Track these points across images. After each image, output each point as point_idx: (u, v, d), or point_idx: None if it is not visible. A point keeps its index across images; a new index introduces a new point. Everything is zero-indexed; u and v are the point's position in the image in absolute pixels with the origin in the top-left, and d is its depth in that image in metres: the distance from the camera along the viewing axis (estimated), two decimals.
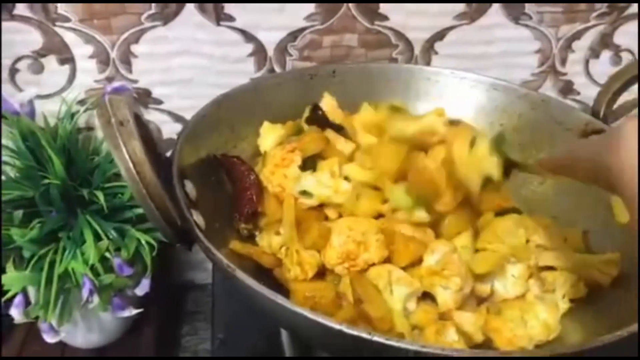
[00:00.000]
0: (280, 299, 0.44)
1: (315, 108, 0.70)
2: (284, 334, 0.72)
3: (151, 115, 0.84)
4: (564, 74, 0.89)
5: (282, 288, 0.58)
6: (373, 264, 0.57)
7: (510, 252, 0.59)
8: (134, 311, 0.76)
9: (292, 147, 0.64)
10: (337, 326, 0.42)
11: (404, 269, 0.57)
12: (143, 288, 0.77)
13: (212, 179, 0.64)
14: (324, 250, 0.57)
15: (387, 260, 0.57)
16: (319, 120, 0.69)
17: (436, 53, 0.84)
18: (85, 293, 0.70)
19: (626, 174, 0.38)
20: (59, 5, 0.74)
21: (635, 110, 0.93)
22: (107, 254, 0.72)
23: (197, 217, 0.52)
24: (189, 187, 0.56)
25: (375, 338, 0.42)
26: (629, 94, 0.93)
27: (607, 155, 0.40)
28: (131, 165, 0.45)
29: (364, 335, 0.42)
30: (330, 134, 0.67)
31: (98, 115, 0.47)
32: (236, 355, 0.71)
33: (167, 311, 0.92)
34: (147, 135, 0.54)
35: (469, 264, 0.57)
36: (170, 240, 0.49)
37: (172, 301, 0.95)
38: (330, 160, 0.63)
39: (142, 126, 0.52)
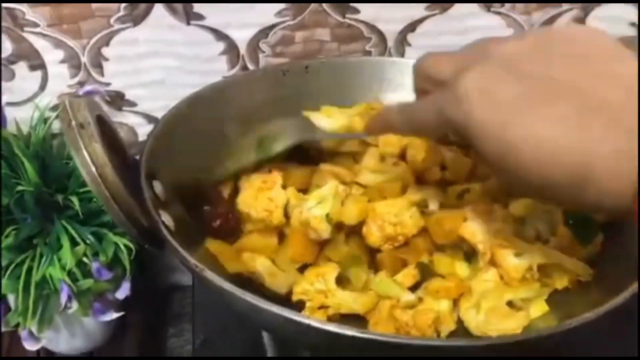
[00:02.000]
0: (249, 297, 0.43)
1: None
2: (266, 334, 0.72)
3: (126, 118, 0.83)
4: None
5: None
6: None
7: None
8: (116, 315, 0.76)
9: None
10: (305, 320, 0.42)
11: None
12: (123, 291, 0.77)
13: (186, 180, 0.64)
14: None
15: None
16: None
17: (409, 45, 0.84)
18: (63, 298, 0.70)
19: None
20: (26, 10, 0.74)
21: None
22: (85, 259, 0.72)
23: (166, 218, 0.52)
24: (159, 187, 0.55)
25: (343, 331, 0.41)
26: None
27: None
28: (92, 168, 0.45)
29: (335, 330, 0.42)
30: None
31: (59, 119, 0.46)
32: (218, 355, 0.71)
33: (153, 314, 0.92)
34: (113, 137, 0.54)
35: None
36: (138, 242, 0.49)
37: (157, 304, 0.95)
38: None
39: (107, 128, 0.52)
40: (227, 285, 0.44)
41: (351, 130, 0.70)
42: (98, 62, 0.78)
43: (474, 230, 0.59)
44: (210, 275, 0.45)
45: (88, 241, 0.72)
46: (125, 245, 0.73)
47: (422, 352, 0.43)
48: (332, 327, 0.42)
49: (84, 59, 0.78)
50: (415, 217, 0.59)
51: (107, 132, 0.52)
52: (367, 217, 0.59)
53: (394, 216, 0.58)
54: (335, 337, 0.42)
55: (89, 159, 0.45)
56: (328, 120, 0.71)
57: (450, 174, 0.66)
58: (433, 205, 0.63)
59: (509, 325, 0.53)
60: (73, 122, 0.45)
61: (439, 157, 0.66)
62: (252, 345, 0.72)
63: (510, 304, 0.57)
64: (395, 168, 0.66)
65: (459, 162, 0.66)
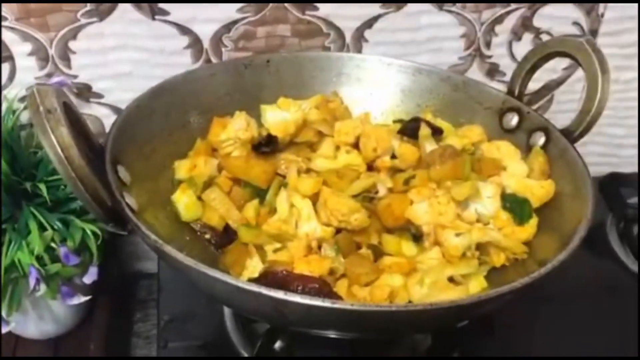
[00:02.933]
0: (203, 268, 0.47)
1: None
2: (227, 313, 0.76)
3: (93, 109, 0.86)
4: (490, 57, 0.94)
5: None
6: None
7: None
8: (83, 299, 0.79)
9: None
10: (256, 289, 0.46)
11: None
12: (91, 276, 0.79)
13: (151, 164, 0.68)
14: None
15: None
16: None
17: (366, 41, 0.88)
18: (32, 282, 0.72)
19: None
20: None
21: (562, 88, 1.00)
22: (53, 244, 0.74)
23: (129, 199, 0.56)
24: (123, 172, 0.59)
25: (292, 298, 0.45)
26: (553, 73, 0.99)
27: None
28: (59, 149, 0.48)
29: (284, 297, 0.46)
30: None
31: (27, 105, 0.49)
32: (182, 335, 0.74)
33: (120, 300, 0.95)
34: (79, 124, 0.57)
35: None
36: (102, 221, 0.52)
37: (124, 290, 0.98)
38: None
39: (73, 115, 0.55)
40: (182, 257, 0.48)
41: (307, 121, 0.74)
42: (65, 54, 0.81)
43: (418, 213, 0.63)
44: (168, 249, 0.49)
45: (56, 227, 0.75)
46: (92, 232, 0.76)
47: (366, 318, 0.47)
48: (281, 295, 0.46)
49: (52, 51, 0.80)
50: (360, 219, 0.63)
51: (74, 119, 0.55)
52: (319, 200, 0.64)
53: (342, 215, 0.62)
54: (283, 304, 0.46)
55: (56, 142, 0.48)
56: (284, 112, 0.75)
57: (400, 162, 0.71)
58: (382, 191, 0.67)
59: (447, 298, 0.57)
60: (41, 108, 0.49)
61: (388, 147, 0.70)
62: (215, 327, 0.76)
63: (451, 279, 0.61)
64: (347, 156, 0.70)
65: (408, 152, 0.70)
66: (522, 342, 0.75)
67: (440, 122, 0.75)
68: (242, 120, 0.70)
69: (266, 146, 0.69)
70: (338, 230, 0.64)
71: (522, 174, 0.69)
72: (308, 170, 0.69)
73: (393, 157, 0.71)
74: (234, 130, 0.70)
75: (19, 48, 0.80)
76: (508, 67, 0.96)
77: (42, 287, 0.73)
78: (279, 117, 0.74)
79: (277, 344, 0.62)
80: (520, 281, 0.50)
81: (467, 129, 0.75)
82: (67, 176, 0.49)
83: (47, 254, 0.74)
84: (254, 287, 0.46)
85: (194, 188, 0.67)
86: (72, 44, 0.81)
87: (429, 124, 0.72)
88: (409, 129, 0.72)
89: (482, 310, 0.52)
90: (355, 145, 0.72)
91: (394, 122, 0.79)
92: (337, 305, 0.45)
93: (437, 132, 0.72)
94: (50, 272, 0.74)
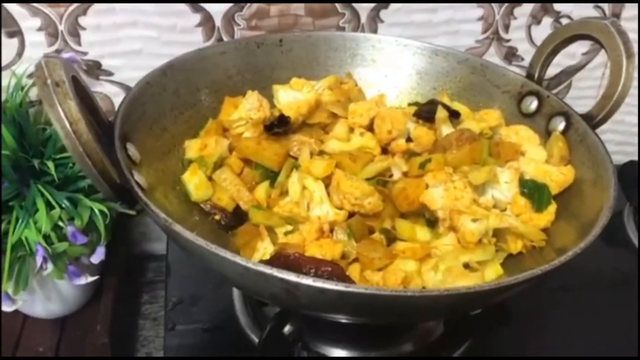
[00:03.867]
0: (214, 247, 0.46)
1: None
2: (236, 296, 0.75)
3: (103, 87, 0.85)
4: (508, 40, 0.92)
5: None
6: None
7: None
8: (90, 278, 0.78)
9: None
10: (268, 271, 0.45)
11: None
12: (98, 256, 0.78)
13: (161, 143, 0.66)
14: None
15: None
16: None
17: (382, 21, 0.86)
18: (39, 260, 0.71)
19: None
20: None
21: (580, 74, 0.98)
22: (61, 223, 0.73)
23: (139, 178, 0.54)
24: (132, 149, 0.57)
25: (302, 280, 0.44)
26: (572, 59, 0.97)
27: None
28: (67, 123, 0.46)
29: (293, 279, 0.45)
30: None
31: (35, 77, 0.48)
32: (190, 317, 0.73)
33: (128, 281, 0.94)
34: (88, 99, 0.55)
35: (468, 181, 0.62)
36: (110, 198, 0.51)
37: (132, 271, 0.97)
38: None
39: (82, 90, 0.53)
40: (193, 237, 0.47)
41: (318, 102, 0.72)
42: (75, 30, 0.80)
43: (434, 197, 0.62)
44: (179, 229, 0.48)
45: (64, 205, 0.74)
46: (100, 211, 0.75)
47: (378, 303, 0.45)
48: (294, 278, 0.45)
49: (61, 27, 0.79)
50: (374, 203, 0.61)
51: (82, 94, 0.53)
52: (332, 183, 0.62)
53: (354, 198, 0.61)
54: (296, 287, 0.45)
55: (64, 115, 0.46)
56: (297, 92, 0.73)
57: (415, 146, 0.69)
58: (397, 174, 0.65)
59: (463, 284, 0.56)
60: (49, 80, 0.47)
61: (403, 129, 0.69)
62: (223, 309, 0.75)
63: (467, 266, 0.60)
64: (361, 138, 0.68)
65: (424, 135, 0.69)
66: (536, 331, 0.74)
67: (457, 105, 0.73)
68: (254, 100, 0.69)
69: (279, 127, 0.67)
70: (351, 214, 0.62)
71: (541, 159, 0.67)
72: (321, 153, 0.68)
73: (408, 140, 0.70)
74: (245, 110, 0.69)
75: (28, 23, 0.78)
76: (526, 51, 0.93)
77: (49, 266, 0.72)
78: (291, 97, 0.72)
79: (287, 328, 0.60)
80: (540, 269, 0.48)
81: (485, 113, 0.73)
82: (74, 151, 0.47)
83: (55, 232, 0.73)
84: (266, 269, 0.45)
85: (204, 168, 0.65)
86: (82, 20, 0.79)
87: (445, 106, 0.70)
88: (425, 112, 0.71)
89: (499, 297, 0.51)
90: (370, 128, 0.70)
91: (409, 105, 0.77)
92: (351, 289, 0.44)
93: (454, 115, 0.70)
94: (57, 251, 0.73)
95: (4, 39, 0.79)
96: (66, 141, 0.47)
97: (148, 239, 0.99)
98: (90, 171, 0.48)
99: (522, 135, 0.69)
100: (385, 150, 0.70)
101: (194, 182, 0.64)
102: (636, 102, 1.01)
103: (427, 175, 0.63)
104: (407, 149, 0.68)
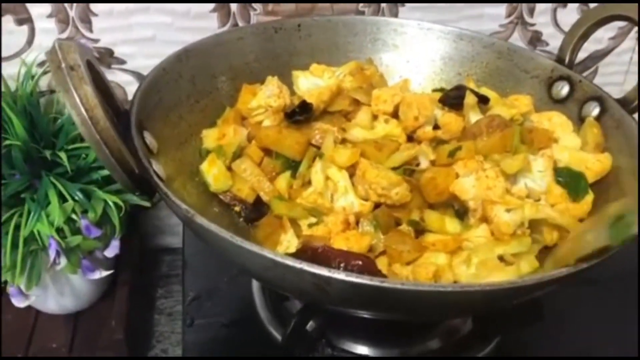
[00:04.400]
0: (237, 240, 0.43)
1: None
2: (255, 290, 0.72)
3: (115, 76, 0.82)
4: (532, 25, 0.89)
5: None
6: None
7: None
8: (105, 273, 0.76)
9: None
10: (296, 264, 0.42)
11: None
12: (113, 250, 0.76)
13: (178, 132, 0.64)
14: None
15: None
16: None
17: (403, 5, 0.83)
18: (52, 254, 0.69)
19: None
20: None
21: (607, 59, 0.94)
22: (74, 216, 0.71)
23: (157, 167, 0.52)
24: (149, 138, 0.55)
25: (331, 274, 0.41)
26: (600, 44, 0.93)
27: None
28: (82, 109, 0.44)
29: (322, 272, 0.42)
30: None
31: (49, 61, 0.45)
32: (208, 312, 0.71)
33: (142, 275, 0.92)
34: (103, 85, 0.53)
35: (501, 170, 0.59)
36: (127, 188, 0.49)
37: (147, 265, 0.95)
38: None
39: (97, 75, 0.51)
40: (216, 229, 0.44)
41: (340, 89, 0.69)
42: (86, 17, 0.77)
43: (465, 187, 0.59)
44: (200, 219, 0.45)
45: (77, 198, 0.71)
46: (114, 203, 0.73)
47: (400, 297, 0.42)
48: (325, 272, 0.42)
49: (72, 13, 0.76)
50: (401, 194, 0.58)
51: (98, 80, 0.51)
52: (357, 172, 0.59)
53: (381, 189, 0.58)
54: (327, 281, 0.42)
55: (79, 101, 0.44)
56: (318, 79, 0.70)
57: (443, 133, 0.66)
58: (424, 163, 0.63)
59: (498, 279, 0.53)
60: (63, 64, 0.44)
61: (431, 115, 0.66)
62: (243, 304, 0.73)
63: (501, 259, 0.57)
64: (386, 126, 0.65)
65: (452, 121, 0.66)
66: (567, 327, 0.71)
67: (484, 91, 0.70)
68: (274, 87, 0.66)
69: (300, 114, 0.64)
70: (376, 205, 0.60)
71: (575, 146, 0.64)
72: (344, 141, 0.65)
73: (435, 127, 0.67)
74: (264, 98, 0.66)
75: (38, 9, 0.76)
76: (551, 36, 0.90)
77: (63, 261, 0.70)
78: (312, 84, 0.69)
79: (310, 325, 0.58)
80: (574, 266, 0.45)
81: (515, 99, 0.70)
82: (91, 138, 0.45)
83: (68, 225, 0.71)
84: (296, 263, 0.42)
85: (223, 158, 0.63)
86: (94, 6, 0.77)
87: (473, 92, 0.67)
88: (452, 98, 0.68)
89: (540, 292, 0.48)
90: (394, 115, 0.67)
91: (433, 91, 0.74)
92: (386, 284, 0.41)
93: (482, 101, 0.67)
94: (70, 245, 0.71)
95: (14, 26, 0.76)
96: (82, 128, 0.44)
97: (162, 232, 0.97)
98: (107, 160, 0.46)
99: (555, 122, 0.66)
100: (410, 139, 0.67)
101: (213, 172, 0.61)
102: None
103: (457, 164, 0.60)
104: (434, 137, 0.66)
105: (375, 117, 0.67)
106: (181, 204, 0.46)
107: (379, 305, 0.47)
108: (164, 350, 0.84)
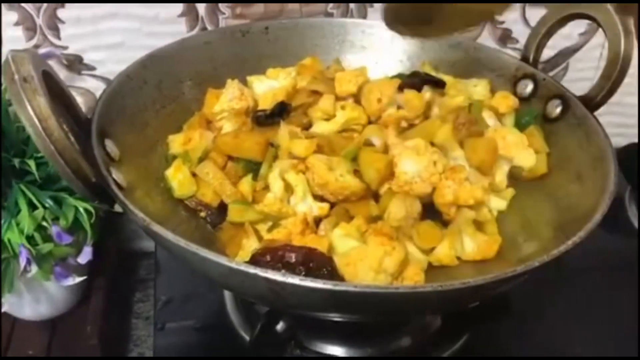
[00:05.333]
0: (193, 247, 0.44)
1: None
2: (227, 294, 0.73)
3: (85, 82, 0.82)
4: (502, 22, 0.89)
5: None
6: None
7: None
8: (78, 279, 0.76)
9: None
10: (251, 271, 0.43)
11: None
12: (85, 256, 0.76)
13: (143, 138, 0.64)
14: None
15: None
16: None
17: (371, 6, 0.83)
18: (22, 262, 0.69)
19: None
20: None
21: (577, 55, 0.95)
22: (45, 223, 0.71)
23: (117, 175, 0.52)
24: (110, 146, 0.55)
25: (284, 279, 0.42)
26: (569, 40, 0.94)
27: None
28: (36, 121, 0.44)
29: (277, 278, 0.42)
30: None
31: (2, 73, 0.46)
32: (180, 316, 0.71)
33: (119, 279, 0.92)
34: (62, 95, 0.53)
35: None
36: (85, 197, 0.49)
37: (123, 269, 0.95)
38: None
39: (55, 85, 0.51)
40: (172, 237, 0.44)
41: (296, 88, 0.70)
42: (54, 24, 0.77)
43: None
44: (158, 229, 0.45)
45: (47, 205, 0.71)
46: (85, 210, 0.73)
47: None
48: (279, 277, 0.43)
49: (39, 21, 0.76)
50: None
51: (56, 90, 0.51)
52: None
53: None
54: (281, 286, 0.43)
55: (32, 112, 0.44)
56: (272, 81, 0.70)
57: (407, 111, 0.65)
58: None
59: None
60: (16, 76, 0.45)
61: (393, 95, 0.65)
62: (215, 307, 0.73)
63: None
64: (346, 111, 0.65)
65: (412, 97, 0.65)
66: (536, 321, 0.72)
67: (441, 76, 0.71)
68: (234, 89, 0.66)
69: (279, 115, 0.64)
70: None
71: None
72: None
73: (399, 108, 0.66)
74: (227, 101, 0.66)
75: (4, 17, 0.75)
76: (521, 33, 0.90)
77: (34, 268, 0.70)
78: (266, 86, 0.69)
79: (279, 326, 0.58)
80: (538, 260, 0.46)
81: (474, 84, 0.71)
82: (45, 150, 0.45)
83: (39, 233, 0.71)
84: (249, 268, 0.42)
85: (189, 163, 0.63)
86: (61, 13, 0.76)
87: (429, 76, 0.68)
88: (409, 84, 0.67)
89: (496, 291, 0.49)
90: (358, 98, 0.68)
91: (392, 77, 0.74)
92: (339, 287, 0.42)
93: (439, 85, 0.68)
94: (42, 252, 0.71)
95: None
96: (36, 140, 0.45)
97: (139, 236, 0.97)
98: (63, 170, 0.46)
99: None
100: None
101: (178, 178, 0.61)
102: (636, 82, 0.98)
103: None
104: (398, 117, 0.65)
105: (338, 103, 0.67)
106: (138, 212, 0.46)
107: (336, 308, 0.47)
108: (140, 354, 0.84)
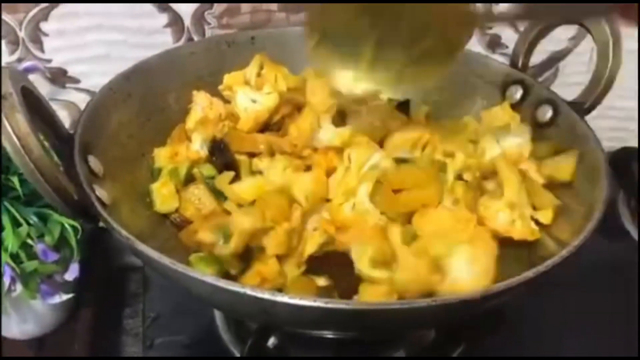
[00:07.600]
0: (179, 267, 0.43)
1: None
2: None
3: (70, 95, 0.81)
4: (490, 28, 0.89)
5: None
6: None
7: None
8: (65, 297, 0.74)
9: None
10: (237, 289, 0.42)
11: None
12: (72, 273, 0.74)
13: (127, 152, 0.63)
14: None
15: None
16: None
17: None
18: (6, 281, 0.68)
19: None
20: None
21: (567, 59, 0.95)
22: (29, 241, 0.70)
23: (100, 192, 0.51)
24: (94, 162, 0.54)
25: (273, 297, 0.41)
26: (558, 44, 0.94)
27: None
28: (14, 138, 0.43)
29: (265, 296, 0.41)
30: None
31: None
32: (169, 332, 0.70)
33: (108, 295, 0.90)
34: (43, 111, 0.52)
35: None
36: (68, 215, 0.48)
37: (112, 285, 0.93)
38: None
39: (36, 101, 0.50)
40: (157, 255, 0.43)
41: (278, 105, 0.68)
42: (37, 37, 0.76)
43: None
44: (140, 246, 0.44)
45: (32, 222, 0.70)
46: (71, 226, 0.71)
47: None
48: (267, 296, 0.41)
49: (22, 34, 0.75)
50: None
51: (37, 106, 0.50)
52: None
53: None
54: (271, 305, 0.42)
55: (11, 130, 0.43)
56: (257, 96, 0.69)
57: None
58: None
59: None
60: None
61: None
62: (205, 324, 0.72)
63: None
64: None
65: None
66: (531, 329, 0.71)
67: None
68: (202, 100, 0.66)
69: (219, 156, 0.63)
70: None
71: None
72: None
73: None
74: (199, 114, 0.65)
75: None
76: (510, 39, 0.90)
77: (18, 287, 0.69)
78: (249, 101, 0.67)
79: (270, 342, 0.57)
80: (532, 271, 0.45)
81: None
82: (24, 168, 0.44)
83: (23, 250, 0.69)
84: (238, 287, 0.41)
85: (176, 180, 0.62)
86: (44, 26, 0.75)
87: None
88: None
89: (491, 303, 0.48)
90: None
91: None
92: (330, 305, 0.41)
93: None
94: (27, 271, 0.70)
95: None
96: (15, 158, 0.43)
97: (129, 250, 0.95)
98: (43, 189, 0.45)
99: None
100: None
101: (162, 193, 0.60)
102: (625, 86, 0.98)
103: None
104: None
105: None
106: (122, 230, 0.45)
107: (326, 325, 0.46)
108: None
